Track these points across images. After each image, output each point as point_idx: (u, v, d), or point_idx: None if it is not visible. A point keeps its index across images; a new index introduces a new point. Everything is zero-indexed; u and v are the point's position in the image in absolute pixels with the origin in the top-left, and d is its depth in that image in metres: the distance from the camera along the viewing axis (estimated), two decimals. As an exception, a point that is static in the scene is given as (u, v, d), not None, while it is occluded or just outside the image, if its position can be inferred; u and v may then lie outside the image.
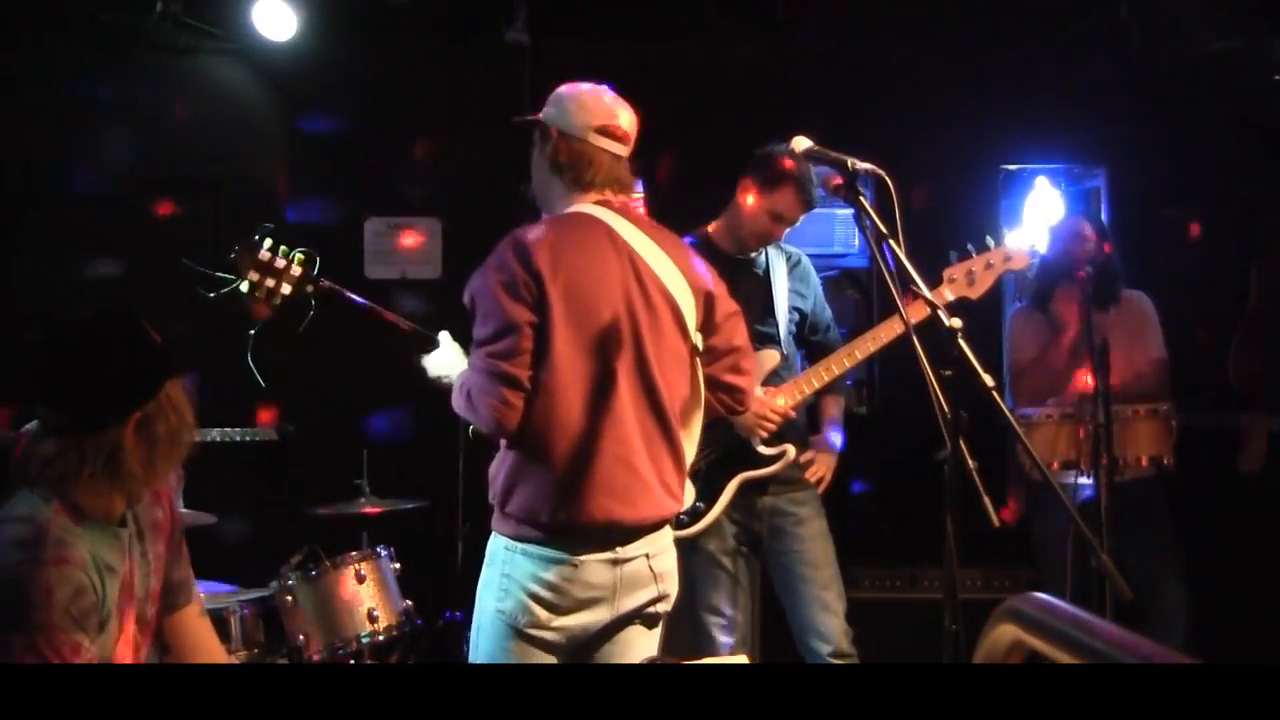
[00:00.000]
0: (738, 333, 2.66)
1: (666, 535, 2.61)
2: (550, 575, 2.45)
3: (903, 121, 4.83)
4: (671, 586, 2.61)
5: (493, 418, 2.41)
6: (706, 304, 2.60)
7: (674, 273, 2.55)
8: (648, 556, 2.54)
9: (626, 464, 2.46)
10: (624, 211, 2.60)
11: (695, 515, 3.30)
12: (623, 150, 2.60)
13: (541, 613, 2.46)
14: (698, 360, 2.61)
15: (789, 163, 3.32)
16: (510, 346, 2.40)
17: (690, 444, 2.64)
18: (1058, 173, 5.20)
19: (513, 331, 2.40)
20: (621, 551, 2.49)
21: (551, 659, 2.51)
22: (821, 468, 3.56)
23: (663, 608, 2.61)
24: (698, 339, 2.59)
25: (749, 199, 3.39)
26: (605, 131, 2.56)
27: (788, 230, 3.45)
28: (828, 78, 4.99)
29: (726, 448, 3.34)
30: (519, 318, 2.40)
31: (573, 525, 2.43)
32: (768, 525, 3.48)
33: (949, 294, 3.35)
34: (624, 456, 2.45)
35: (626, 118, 2.61)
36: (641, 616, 2.58)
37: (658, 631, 2.65)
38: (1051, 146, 5.08)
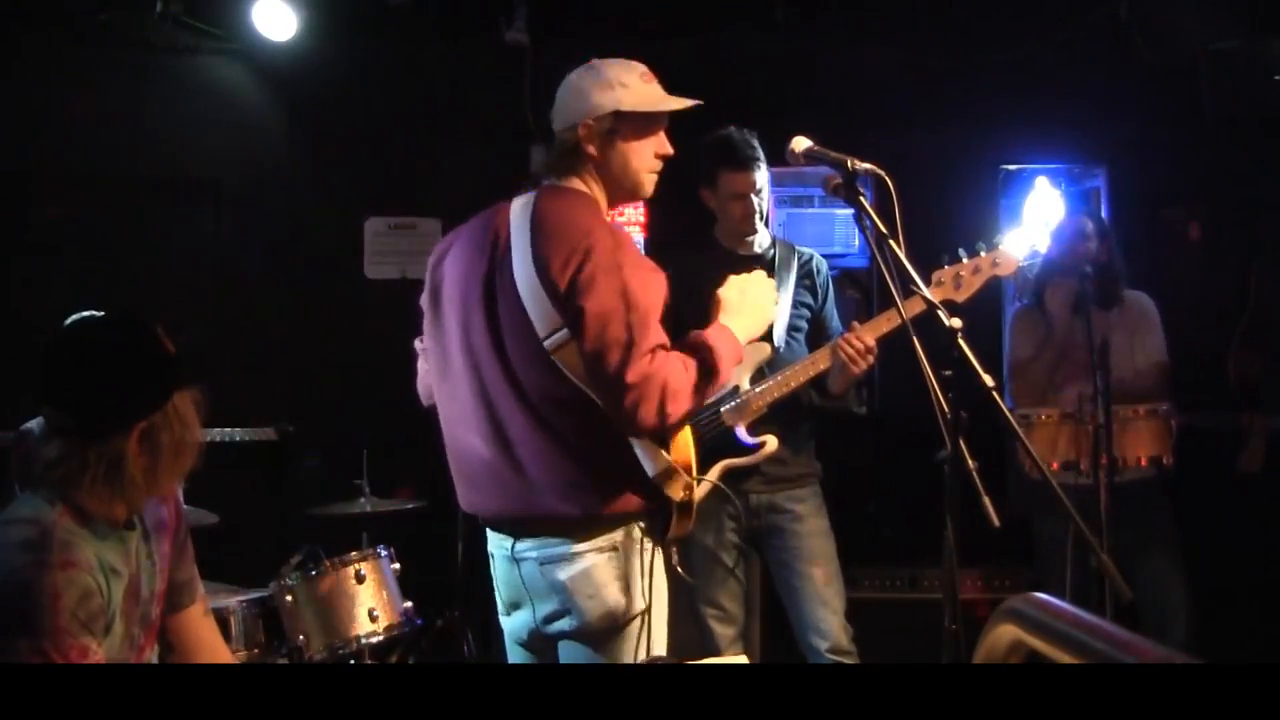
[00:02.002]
0: (586, 336, 2.31)
1: (569, 544, 2.41)
2: (491, 565, 2.62)
3: (902, 121, 4.82)
4: (582, 603, 2.40)
5: None
6: (554, 301, 2.35)
7: (528, 268, 2.38)
8: (539, 562, 2.43)
9: (476, 454, 2.49)
10: (542, 198, 2.49)
11: None
12: (556, 135, 2.57)
13: (499, 602, 2.62)
14: (564, 357, 2.36)
15: (708, 150, 3.45)
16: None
17: (615, 444, 2.39)
18: (1058, 173, 5.20)
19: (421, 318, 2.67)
20: (515, 549, 2.48)
21: (526, 656, 2.58)
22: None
23: (567, 625, 2.43)
24: (554, 336, 2.35)
25: (711, 202, 3.53)
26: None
27: (761, 192, 3.45)
28: (828, 78, 4.98)
29: (712, 436, 3.34)
30: (420, 307, 2.67)
31: (466, 510, 2.60)
32: (765, 522, 3.48)
33: (933, 297, 3.33)
34: (474, 446, 2.49)
35: (558, 97, 2.57)
36: (560, 633, 2.46)
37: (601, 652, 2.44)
38: (1051, 146, 5.08)
